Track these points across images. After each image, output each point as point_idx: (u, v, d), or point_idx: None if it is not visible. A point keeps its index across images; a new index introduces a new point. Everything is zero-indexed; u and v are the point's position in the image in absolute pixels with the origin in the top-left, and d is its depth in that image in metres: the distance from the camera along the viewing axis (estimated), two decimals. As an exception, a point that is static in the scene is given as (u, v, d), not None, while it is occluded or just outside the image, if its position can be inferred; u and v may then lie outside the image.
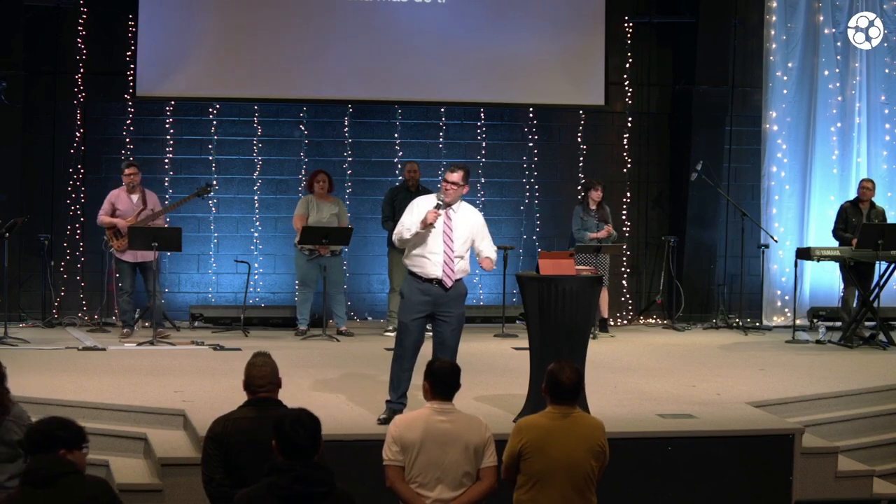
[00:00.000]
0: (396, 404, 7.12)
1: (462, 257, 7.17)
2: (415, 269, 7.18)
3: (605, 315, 11.99)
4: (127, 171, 10.97)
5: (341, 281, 11.56)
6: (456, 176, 7.12)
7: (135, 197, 10.95)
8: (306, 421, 4.21)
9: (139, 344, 10.34)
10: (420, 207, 7.16)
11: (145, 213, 10.86)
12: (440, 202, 7.10)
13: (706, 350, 10.87)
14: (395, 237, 7.33)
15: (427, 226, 7.05)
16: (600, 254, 11.55)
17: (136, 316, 11.12)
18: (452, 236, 7.12)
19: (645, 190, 13.14)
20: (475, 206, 12.59)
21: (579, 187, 12.78)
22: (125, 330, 10.84)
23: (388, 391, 7.23)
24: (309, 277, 11.39)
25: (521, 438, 5.10)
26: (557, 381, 5.14)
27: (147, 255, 10.63)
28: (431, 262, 7.11)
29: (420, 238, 7.12)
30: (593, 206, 11.80)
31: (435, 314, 7.15)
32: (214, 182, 12.08)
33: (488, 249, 7.21)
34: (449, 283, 7.10)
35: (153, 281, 10.80)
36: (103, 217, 10.90)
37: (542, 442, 5.06)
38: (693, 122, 12.85)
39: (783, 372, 9.45)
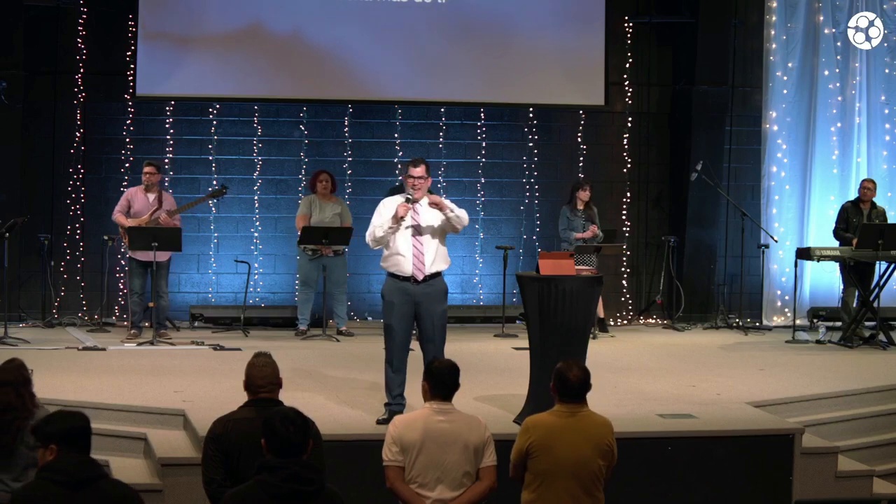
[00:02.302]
0: (395, 405, 7.14)
1: (434, 251, 7.19)
2: (391, 269, 7.28)
3: (602, 315, 11.97)
4: (145, 170, 10.98)
5: (343, 281, 11.53)
6: (420, 170, 7.21)
7: (151, 196, 10.94)
8: (296, 418, 4.19)
9: (139, 344, 10.35)
10: (388, 208, 7.21)
11: (158, 212, 10.85)
12: (409, 197, 7.15)
13: (706, 350, 10.87)
14: (367, 238, 7.36)
15: (399, 219, 7.10)
16: (587, 254, 11.49)
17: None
18: (421, 230, 7.17)
19: (645, 190, 13.13)
20: (475, 206, 12.85)
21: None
22: (133, 331, 10.81)
23: (385, 394, 7.27)
24: (311, 277, 11.39)
25: (528, 437, 5.12)
26: (565, 380, 5.17)
27: (160, 255, 10.62)
28: (405, 258, 7.18)
29: (392, 238, 7.17)
30: (581, 206, 11.77)
31: (418, 312, 7.21)
32: (213, 182, 12.08)
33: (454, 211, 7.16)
34: (420, 276, 7.15)
35: (163, 281, 10.82)
36: (118, 216, 10.89)
37: (550, 440, 5.07)
38: (693, 122, 12.84)
39: (783, 372, 9.45)
